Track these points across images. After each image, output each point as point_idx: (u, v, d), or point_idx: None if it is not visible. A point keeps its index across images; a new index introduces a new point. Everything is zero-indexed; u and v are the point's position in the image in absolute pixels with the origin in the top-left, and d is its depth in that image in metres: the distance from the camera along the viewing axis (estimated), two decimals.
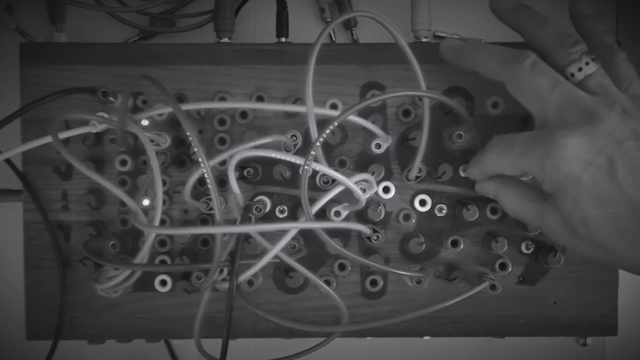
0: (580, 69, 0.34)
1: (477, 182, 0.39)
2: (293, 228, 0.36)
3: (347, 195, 0.38)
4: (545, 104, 0.33)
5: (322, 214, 0.39)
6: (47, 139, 0.37)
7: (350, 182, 0.36)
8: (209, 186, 0.34)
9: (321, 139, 0.34)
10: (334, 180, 0.38)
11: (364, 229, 0.38)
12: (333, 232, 0.40)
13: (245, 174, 0.39)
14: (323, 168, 0.36)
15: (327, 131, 0.34)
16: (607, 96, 0.33)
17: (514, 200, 0.36)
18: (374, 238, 0.39)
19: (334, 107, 0.39)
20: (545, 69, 0.34)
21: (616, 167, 0.30)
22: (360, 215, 0.40)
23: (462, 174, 0.40)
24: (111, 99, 0.39)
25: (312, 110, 0.35)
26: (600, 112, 0.32)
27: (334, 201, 0.38)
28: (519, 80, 0.34)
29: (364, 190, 0.37)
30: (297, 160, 0.35)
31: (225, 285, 0.37)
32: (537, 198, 0.35)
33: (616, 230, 0.31)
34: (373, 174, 0.39)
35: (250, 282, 0.40)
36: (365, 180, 0.38)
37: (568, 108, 0.33)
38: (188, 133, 0.33)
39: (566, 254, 0.40)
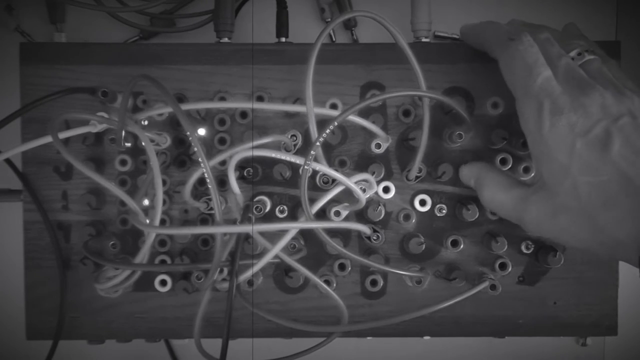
0: (579, 54, 0.35)
1: (460, 168, 0.39)
2: (293, 228, 0.36)
3: (347, 195, 0.38)
4: (553, 67, 0.34)
5: (322, 214, 0.39)
6: (47, 139, 0.37)
7: (350, 182, 0.36)
8: (209, 186, 0.34)
9: (321, 139, 0.34)
10: (334, 180, 0.38)
11: (364, 228, 0.38)
12: (333, 232, 0.40)
13: (245, 174, 0.39)
14: (323, 168, 0.36)
15: (327, 131, 0.34)
16: (604, 79, 0.34)
17: (495, 187, 0.37)
18: (374, 238, 0.39)
19: (334, 107, 0.39)
20: (553, 42, 0.35)
21: (612, 139, 0.31)
22: (360, 215, 0.40)
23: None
24: (109, 100, 0.39)
25: (312, 110, 0.35)
26: (597, 88, 0.32)
27: (334, 201, 0.38)
28: (513, 56, 0.35)
29: (364, 190, 0.37)
30: (297, 160, 0.35)
31: (225, 285, 0.37)
32: (519, 185, 0.36)
33: (606, 201, 0.31)
34: (373, 174, 0.39)
35: (250, 282, 0.40)
36: (365, 180, 0.38)
37: (570, 78, 0.33)
38: (188, 133, 0.33)
39: (566, 254, 0.40)
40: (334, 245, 0.36)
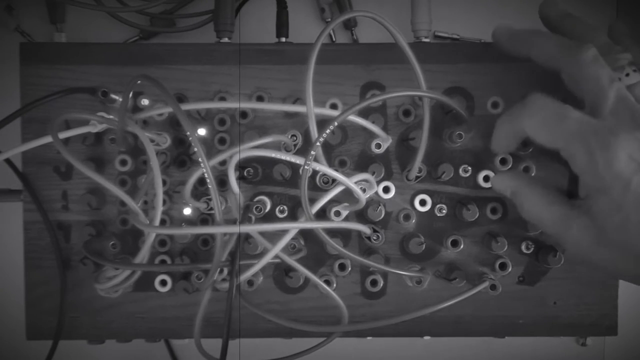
0: (627, 75, 0.34)
1: (497, 176, 0.38)
2: (293, 228, 0.36)
3: (347, 195, 0.38)
4: (603, 97, 0.33)
5: (322, 214, 0.39)
6: (47, 139, 0.37)
7: (351, 182, 0.36)
8: (209, 186, 0.34)
9: (321, 139, 0.34)
10: (334, 180, 0.38)
11: (364, 229, 0.38)
12: (333, 232, 0.40)
13: (245, 174, 0.39)
14: (323, 168, 0.36)
15: (327, 131, 0.34)
16: None
17: (535, 201, 0.35)
18: (374, 238, 0.39)
19: (334, 107, 0.39)
20: (605, 63, 0.33)
21: None
22: (360, 215, 0.40)
23: (462, 174, 0.40)
24: (113, 96, 0.39)
25: (312, 110, 0.35)
26: None
27: (334, 201, 0.38)
28: (580, 70, 0.33)
29: (364, 190, 0.37)
30: (297, 160, 0.35)
31: (225, 285, 0.37)
32: (563, 202, 0.34)
33: None
34: (373, 174, 0.39)
35: (250, 282, 0.40)
36: (365, 180, 0.38)
37: (622, 107, 0.32)
38: (188, 133, 0.33)
39: (566, 255, 0.40)
40: (334, 245, 0.36)
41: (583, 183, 0.33)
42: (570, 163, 0.33)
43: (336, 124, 0.34)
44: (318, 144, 0.34)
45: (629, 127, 0.31)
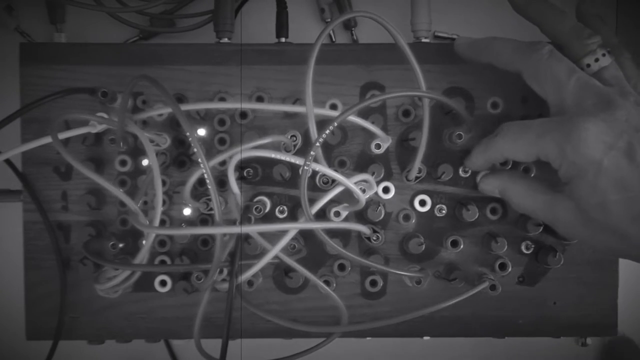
0: (596, 60, 0.35)
1: (481, 180, 0.39)
2: (293, 228, 0.36)
3: (347, 196, 0.38)
4: (563, 90, 0.34)
5: (322, 214, 0.39)
6: (47, 139, 0.37)
7: (350, 182, 0.36)
8: (209, 186, 0.34)
9: (321, 140, 0.34)
10: (333, 181, 0.38)
11: (364, 229, 0.38)
12: (333, 233, 0.40)
13: (245, 174, 0.39)
14: (323, 168, 0.36)
15: (327, 132, 0.34)
16: (621, 88, 0.34)
17: (522, 194, 0.36)
18: (374, 238, 0.39)
19: (334, 107, 0.39)
20: (561, 57, 0.34)
21: (636, 151, 0.31)
22: (360, 216, 0.40)
23: (462, 174, 0.40)
24: (109, 100, 0.39)
25: (311, 110, 0.35)
26: (616, 100, 0.32)
27: (333, 201, 0.38)
28: (537, 68, 0.34)
29: (363, 191, 0.37)
30: (297, 160, 0.35)
31: (225, 285, 0.37)
32: (546, 190, 0.35)
33: (634, 214, 0.31)
34: (373, 174, 0.39)
35: (250, 283, 0.40)
36: (365, 181, 0.38)
37: (585, 95, 0.33)
38: (187, 134, 0.33)
39: (566, 254, 0.40)
40: (334, 246, 0.36)
41: (561, 173, 0.33)
42: (551, 163, 0.34)
43: (336, 124, 0.34)
44: (318, 144, 0.34)
45: (593, 111, 0.32)
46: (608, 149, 0.31)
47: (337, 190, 0.37)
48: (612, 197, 0.31)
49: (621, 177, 0.31)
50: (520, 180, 0.37)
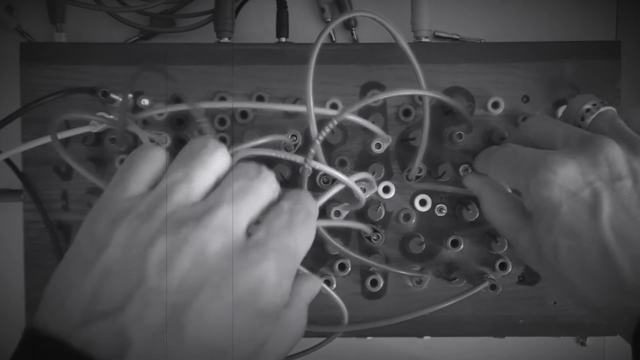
0: (589, 109, 0.34)
1: (466, 176, 0.39)
2: None
3: (347, 196, 0.38)
4: (553, 136, 0.33)
5: (322, 214, 0.39)
6: (47, 139, 0.37)
7: (351, 181, 0.36)
8: None
9: (321, 137, 0.34)
10: (334, 180, 0.38)
11: (365, 227, 0.38)
12: (334, 232, 0.40)
13: None
14: (323, 167, 0.35)
15: (327, 130, 0.34)
16: (617, 133, 0.32)
17: (493, 205, 0.36)
18: (374, 238, 0.39)
19: (334, 107, 0.39)
20: (548, 117, 0.36)
21: (601, 205, 0.29)
22: (361, 215, 0.40)
23: (462, 174, 0.40)
24: (114, 96, 0.39)
25: (312, 110, 0.35)
26: (602, 143, 0.30)
27: (333, 201, 0.38)
28: (526, 129, 0.35)
29: (364, 190, 0.37)
30: (297, 159, 0.35)
31: None
32: (517, 211, 0.35)
33: (582, 267, 0.30)
34: (373, 173, 0.39)
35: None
36: (365, 180, 0.38)
37: (572, 139, 0.32)
38: (199, 120, 0.32)
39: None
40: (335, 245, 0.36)
41: (526, 204, 0.33)
42: (520, 192, 0.33)
43: (336, 122, 0.34)
44: (318, 141, 0.34)
45: (574, 152, 0.31)
46: (571, 196, 0.30)
47: (337, 188, 0.37)
48: (564, 243, 0.30)
49: (577, 226, 0.30)
50: (496, 191, 0.37)
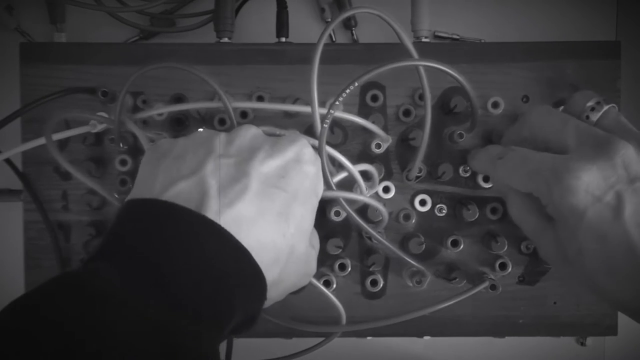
0: (594, 107, 0.35)
1: (497, 164, 0.37)
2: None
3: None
4: (563, 134, 0.33)
5: (323, 213, 0.39)
6: None
7: (355, 169, 0.35)
8: None
9: (341, 99, 0.33)
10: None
11: (380, 206, 0.37)
12: (334, 232, 0.40)
13: None
14: (331, 151, 0.34)
15: (344, 94, 0.33)
16: (624, 132, 0.33)
17: (518, 207, 0.36)
18: (379, 232, 0.39)
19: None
20: (555, 111, 0.35)
21: (624, 206, 0.30)
22: (361, 215, 0.40)
23: (462, 174, 0.40)
24: (109, 100, 0.39)
25: (316, 110, 0.34)
26: (617, 145, 0.31)
27: (333, 201, 0.38)
28: (533, 121, 0.36)
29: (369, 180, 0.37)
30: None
31: None
32: (539, 214, 0.35)
33: (609, 268, 0.31)
34: None
35: None
36: (367, 171, 0.37)
37: (585, 140, 0.33)
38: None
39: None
40: (367, 229, 0.35)
41: (548, 211, 0.33)
42: (541, 199, 0.34)
43: (352, 87, 0.33)
44: (338, 102, 0.33)
45: (592, 157, 0.31)
46: (595, 200, 0.31)
47: (356, 167, 0.36)
48: (591, 247, 0.31)
49: (602, 230, 0.30)
50: (522, 193, 0.36)
